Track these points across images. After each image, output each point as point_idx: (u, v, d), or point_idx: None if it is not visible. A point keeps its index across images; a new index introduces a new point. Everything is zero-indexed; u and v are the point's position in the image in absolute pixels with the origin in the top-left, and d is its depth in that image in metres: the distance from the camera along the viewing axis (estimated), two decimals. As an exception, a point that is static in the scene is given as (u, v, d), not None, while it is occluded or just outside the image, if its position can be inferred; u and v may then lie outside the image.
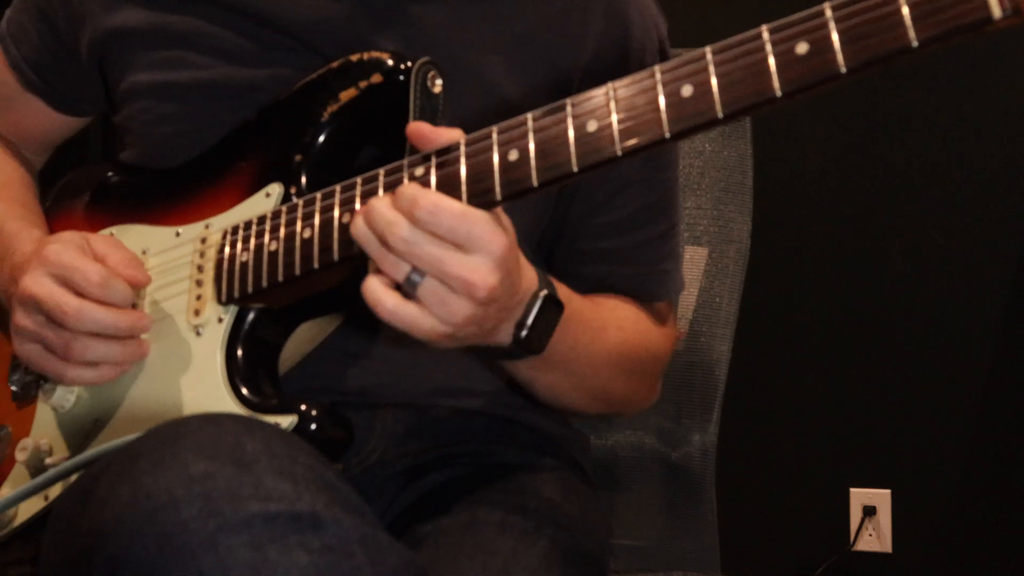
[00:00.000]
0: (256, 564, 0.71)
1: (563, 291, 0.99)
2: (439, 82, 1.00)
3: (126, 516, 0.74)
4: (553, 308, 0.95)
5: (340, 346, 1.08)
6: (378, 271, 0.87)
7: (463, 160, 0.87)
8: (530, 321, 0.93)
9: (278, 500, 0.74)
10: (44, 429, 1.09)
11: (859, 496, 2.65)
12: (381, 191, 0.91)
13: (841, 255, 2.68)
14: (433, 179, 0.88)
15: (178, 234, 1.08)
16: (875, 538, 2.63)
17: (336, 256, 0.92)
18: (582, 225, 1.16)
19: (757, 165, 1.57)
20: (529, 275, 0.93)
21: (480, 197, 0.86)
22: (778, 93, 0.76)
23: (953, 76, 2.58)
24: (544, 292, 0.94)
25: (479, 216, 0.84)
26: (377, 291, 0.86)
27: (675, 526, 1.55)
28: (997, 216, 2.57)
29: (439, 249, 0.83)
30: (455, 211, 0.83)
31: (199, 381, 1.00)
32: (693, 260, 1.45)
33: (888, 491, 2.63)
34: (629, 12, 1.14)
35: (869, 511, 2.63)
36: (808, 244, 2.70)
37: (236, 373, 0.99)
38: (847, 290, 2.67)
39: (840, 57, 0.73)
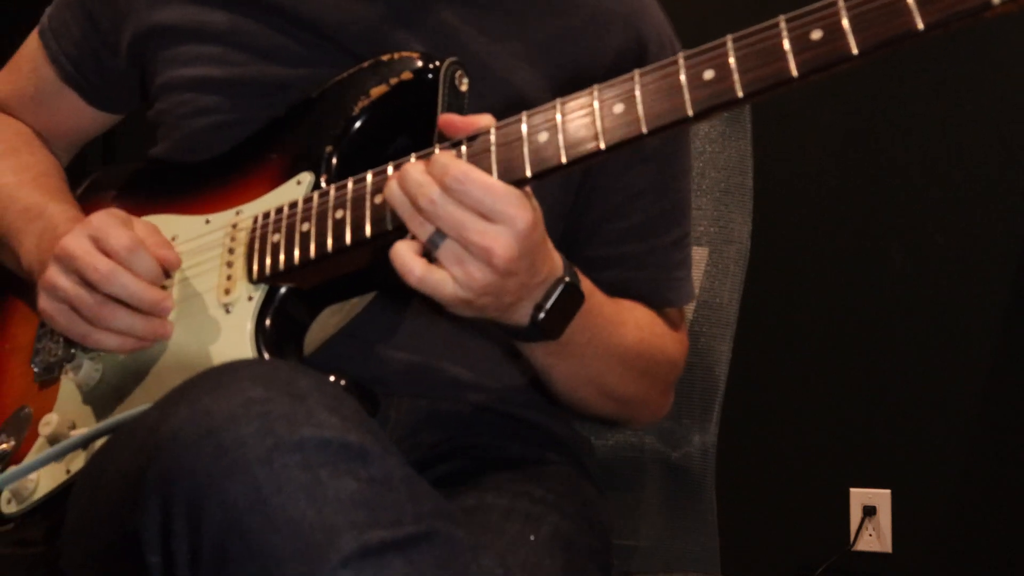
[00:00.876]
0: (308, 484, 0.73)
1: (586, 284, 1.02)
2: (466, 81, 1.05)
3: (185, 429, 0.76)
4: (574, 296, 0.98)
5: (359, 334, 1.10)
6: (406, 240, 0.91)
7: (493, 141, 0.92)
8: (549, 304, 0.96)
9: (330, 428, 0.76)
10: (68, 405, 1.11)
11: (859, 496, 2.65)
12: None
13: (841, 255, 2.68)
14: (465, 159, 0.92)
15: (208, 222, 1.11)
16: (875, 538, 2.63)
17: (368, 233, 0.95)
18: (597, 231, 1.19)
19: (757, 165, 1.56)
20: (554, 260, 0.97)
21: (510, 175, 0.90)
22: (794, 73, 0.81)
23: (953, 76, 2.58)
24: (567, 279, 0.97)
25: (506, 190, 0.88)
26: (406, 256, 0.90)
27: (675, 526, 1.55)
28: (997, 216, 2.57)
29: (463, 215, 0.88)
30: (482, 181, 0.88)
31: (229, 356, 1.02)
32: (693, 260, 1.45)
33: (888, 491, 2.63)
34: (646, 29, 1.19)
35: (869, 511, 2.63)
36: (808, 244, 2.70)
37: (266, 350, 1.02)
38: (847, 290, 2.67)
39: (852, 41, 0.79)
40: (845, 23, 0.79)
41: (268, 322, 1.02)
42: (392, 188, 0.92)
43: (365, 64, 1.08)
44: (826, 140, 2.68)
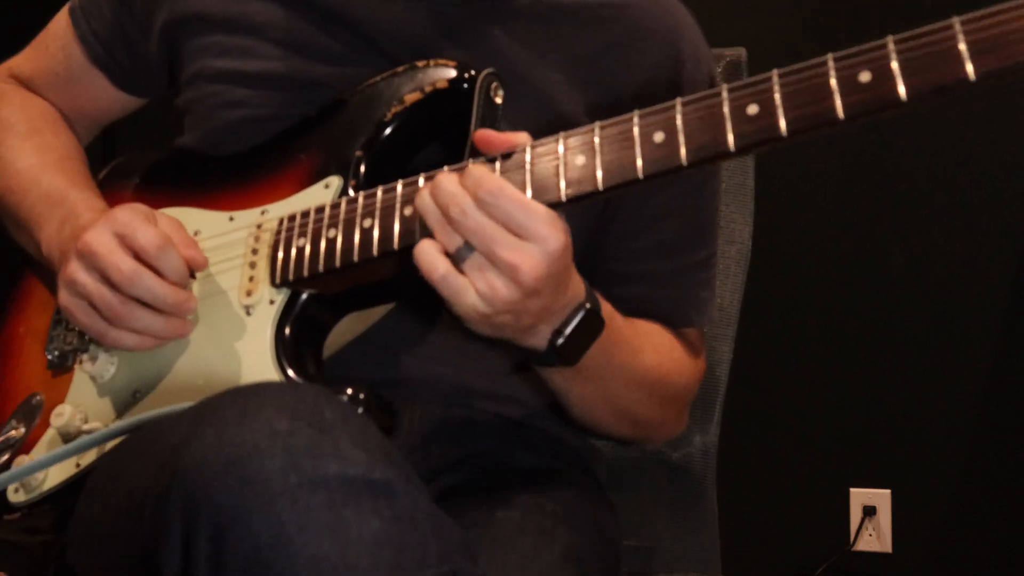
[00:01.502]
0: (331, 522, 0.73)
1: (606, 308, 1.01)
2: (501, 93, 1.04)
3: (209, 459, 0.75)
4: (594, 323, 0.97)
5: (378, 339, 1.09)
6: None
7: (528, 163, 0.91)
8: (568, 331, 0.95)
9: (355, 464, 0.76)
10: (80, 397, 1.10)
11: (859, 496, 2.65)
12: None
13: (842, 256, 2.68)
14: (498, 175, 0.91)
15: (232, 219, 1.10)
16: (875, 538, 2.63)
17: (396, 244, 0.94)
18: (621, 247, 1.18)
19: (758, 166, 1.56)
20: (577, 285, 0.95)
21: (543, 196, 0.90)
22: (841, 115, 0.80)
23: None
24: (588, 305, 0.96)
25: (539, 209, 0.87)
26: (432, 255, 0.89)
27: (676, 526, 1.55)
28: (997, 217, 2.57)
29: (493, 228, 0.87)
30: (516, 198, 0.87)
31: (248, 359, 1.02)
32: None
33: (888, 491, 2.63)
34: (683, 45, 1.18)
35: (869, 511, 2.63)
36: (809, 245, 2.70)
37: (284, 354, 1.01)
38: (848, 291, 2.67)
39: (900, 86, 0.78)
40: (895, 66, 0.78)
41: (288, 327, 1.02)
42: (423, 197, 0.91)
43: (400, 68, 1.07)
44: (827, 141, 2.68)
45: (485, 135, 0.94)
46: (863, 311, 2.67)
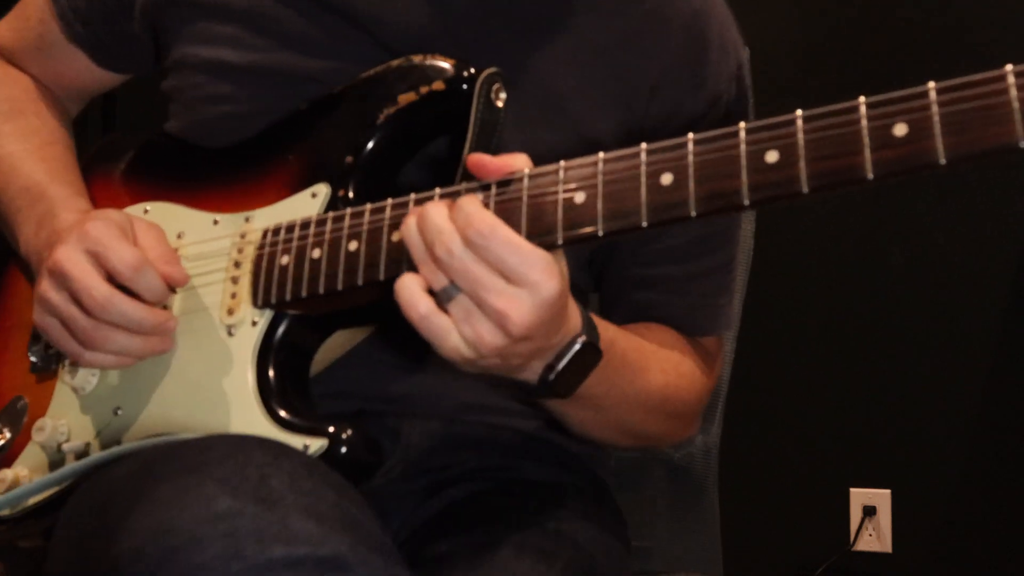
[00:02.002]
0: None
1: (607, 333, 0.95)
2: (503, 95, 0.96)
3: (146, 551, 0.71)
4: (590, 355, 0.90)
5: (372, 353, 1.05)
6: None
7: (525, 195, 0.83)
8: (561, 366, 0.88)
9: (303, 542, 0.71)
10: (62, 409, 1.07)
11: (859, 496, 2.65)
12: None
13: (842, 256, 2.68)
14: (492, 210, 0.84)
15: (216, 222, 1.05)
16: (875, 538, 2.63)
17: (382, 275, 0.89)
18: (636, 250, 1.11)
19: (759, 166, 1.56)
20: (573, 318, 0.88)
21: (540, 237, 0.82)
22: (870, 176, 0.71)
23: (953, 75, 2.57)
24: (583, 338, 0.89)
25: (533, 253, 0.80)
26: (413, 292, 0.83)
27: (677, 527, 1.55)
28: (997, 216, 2.58)
29: (482, 272, 0.80)
30: (508, 240, 0.80)
31: (228, 387, 0.97)
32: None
33: (888, 491, 2.63)
34: (709, 32, 1.10)
35: (869, 511, 2.63)
36: (809, 245, 2.70)
37: (267, 385, 0.96)
38: (848, 290, 2.67)
39: (940, 146, 0.69)
40: (936, 120, 0.69)
41: (272, 352, 0.97)
42: (410, 227, 0.84)
43: (395, 63, 1.00)
44: (826, 140, 2.68)
45: (479, 160, 0.86)
46: (863, 311, 2.66)
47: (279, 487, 0.74)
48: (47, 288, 0.98)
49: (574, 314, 0.88)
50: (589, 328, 0.90)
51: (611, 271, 1.14)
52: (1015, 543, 2.54)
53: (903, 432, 2.62)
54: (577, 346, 0.88)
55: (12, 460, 1.09)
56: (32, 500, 1.03)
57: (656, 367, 1.06)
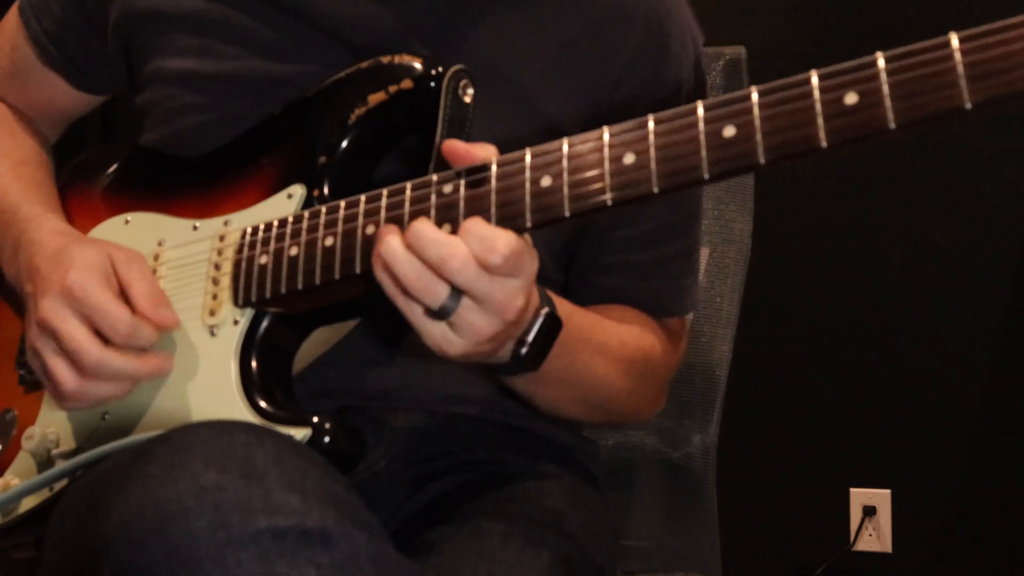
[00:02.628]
0: None
1: (563, 307, 0.98)
2: (471, 91, 0.97)
3: (134, 523, 0.73)
4: (553, 325, 0.94)
5: (354, 349, 1.07)
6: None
7: (494, 182, 0.86)
8: (530, 338, 0.92)
9: (288, 514, 0.73)
10: (51, 418, 1.08)
11: (859, 496, 2.65)
12: (407, 207, 0.90)
13: (842, 255, 2.68)
14: (462, 199, 0.87)
15: (195, 228, 1.06)
16: (875, 538, 2.63)
17: (358, 268, 0.91)
18: (604, 237, 1.15)
19: (758, 165, 1.56)
20: (535, 294, 0.92)
21: (510, 221, 0.85)
22: (823, 144, 0.74)
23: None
24: (545, 309, 0.93)
25: (520, 244, 0.84)
26: (428, 327, 0.86)
27: (676, 526, 1.55)
28: (997, 216, 2.57)
29: (490, 275, 0.83)
30: (504, 241, 0.83)
31: (212, 385, 0.99)
32: (694, 260, 1.45)
33: (888, 491, 2.63)
34: (668, 24, 1.14)
35: (869, 511, 2.63)
36: (809, 244, 2.70)
37: (250, 380, 0.97)
38: (847, 290, 2.67)
39: (890, 113, 0.71)
40: (885, 89, 0.71)
41: (254, 349, 0.99)
42: (396, 251, 0.85)
43: (364, 65, 1.02)
44: (826, 140, 2.68)
45: (452, 147, 0.89)
46: (863, 311, 2.66)
47: (263, 463, 0.76)
48: (34, 336, 1.00)
49: (535, 290, 0.92)
50: (547, 298, 0.94)
51: (580, 259, 1.16)
52: (1015, 543, 2.54)
53: (903, 432, 2.62)
54: (541, 318, 0.92)
55: (3, 469, 1.09)
56: (23, 508, 1.04)
57: (616, 339, 1.09)
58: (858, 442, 2.66)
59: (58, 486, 1.02)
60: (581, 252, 1.16)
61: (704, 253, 1.58)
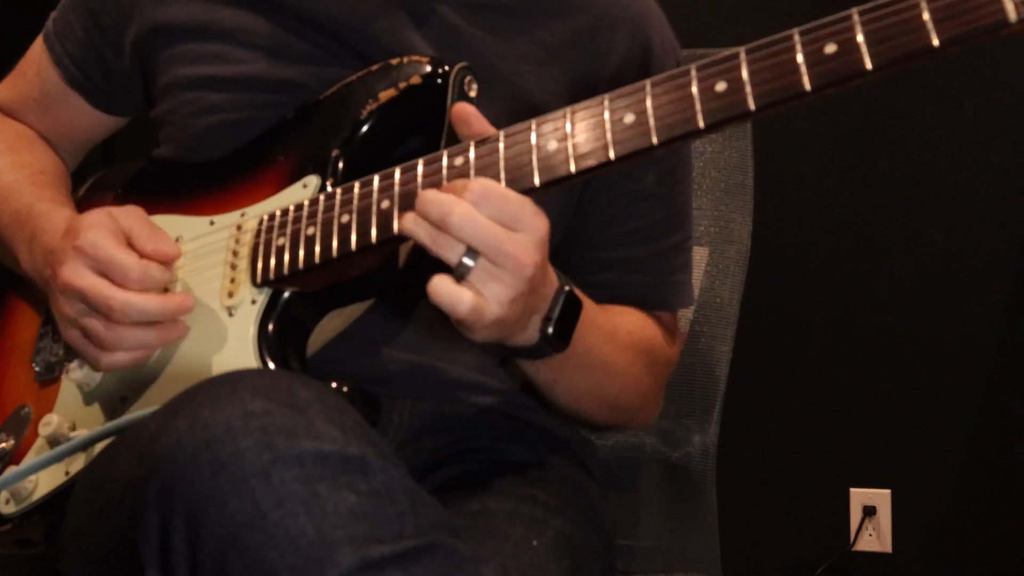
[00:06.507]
0: (306, 498, 0.73)
1: (576, 293, 1.01)
2: (475, 87, 1.04)
3: (183, 442, 0.76)
4: (575, 303, 0.98)
5: (362, 336, 1.10)
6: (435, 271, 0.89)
7: (502, 148, 0.92)
8: (556, 315, 0.95)
9: (330, 441, 0.76)
10: (68, 406, 1.10)
11: (859, 496, 2.65)
12: (420, 180, 0.94)
13: (841, 255, 2.68)
14: (472, 167, 0.93)
15: (212, 223, 1.10)
16: (875, 538, 2.63)
17: (374, 239, 0.95)
18: (598, 235, 1.19)
19: (757, 165, 1.57)
20: (551, 270, 0.96)
21: (518, 183, 0.90)
22: (808, 87, 0.81)
23: (953, 75, 2.58)
24: (567, 288, 0.97)
25: (523, 199, 0.89)
26: (450, 290, 0.88)
27: (675, 526, 1.55)
28: (997, 216, 2.57)
29: (493, 225, 0.87)
30: (501, 191, 0.88)
31: (232, 359, 1.02)
32: (694, 260, 1.45)
33: (888, 491, 2.63)
34: (651, 34, 1.20)
35: (869, 511, 2.63)
36: (808, 244, 2.70)
37: (268, 352, 1.01)
38: (847, 290, 2.67)
39: (866, 56, 0.79)
40: (860, 38, 0.79)
41: (271, 326, 1.02)
42: (408, 217, 0.90)
43: (375, 67, 1.08)
44: (826, 140, 2.68)
45: (463, 109, 0.94)
46: (863, 311, 2.67)
47: (306, 398, 0.79)
48: (63, 305, 1.04)
49: (551, 268, 0.96)
50: (565, 279, 0.98)
51: (575, 258, 1.19)
52: (1015, 543, 2.54)
53: (903, 432, 2.62)
54: (563, 295, 0.96)
55: (20, 460, 1.10)
56: (39, 494, 1.05)
57: (623, 329, 1.14)
58: (858, 442, 2.66)
59: (74, 469, 1.04)
60: (575, 253, 1.19)
61: (704, 253, 1.58)
